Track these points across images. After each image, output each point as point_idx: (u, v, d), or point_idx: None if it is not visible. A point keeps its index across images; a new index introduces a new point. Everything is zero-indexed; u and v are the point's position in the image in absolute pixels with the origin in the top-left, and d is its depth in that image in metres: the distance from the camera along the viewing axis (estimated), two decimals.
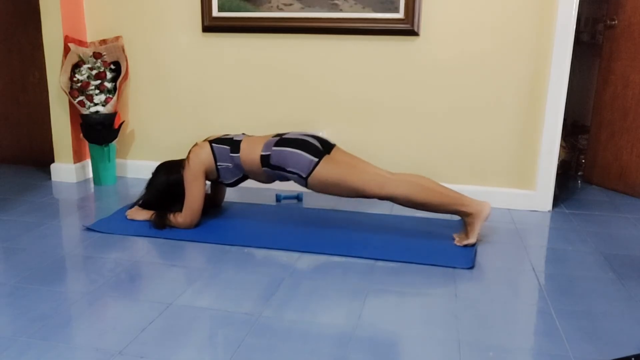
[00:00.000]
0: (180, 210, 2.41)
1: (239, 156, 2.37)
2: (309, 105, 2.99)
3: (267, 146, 2.34)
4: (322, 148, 2.34)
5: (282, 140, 2.33)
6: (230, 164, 2.40)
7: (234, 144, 2.40)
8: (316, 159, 2.27)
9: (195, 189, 2.38)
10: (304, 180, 2.29)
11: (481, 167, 2.86)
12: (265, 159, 2.33)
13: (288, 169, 2.29)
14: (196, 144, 2.47)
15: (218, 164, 2.40)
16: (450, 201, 2.24)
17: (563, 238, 2.44)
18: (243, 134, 2.57)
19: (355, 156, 2.40)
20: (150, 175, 2.55)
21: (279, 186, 2.90)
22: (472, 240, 2.25)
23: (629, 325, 1.69)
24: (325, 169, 2.26)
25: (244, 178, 2.45)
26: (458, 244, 2.27)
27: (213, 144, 2.42)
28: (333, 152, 2.37)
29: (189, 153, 2.43)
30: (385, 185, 2.23)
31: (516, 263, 2.16)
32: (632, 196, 3.12)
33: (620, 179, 3.19)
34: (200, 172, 2.39)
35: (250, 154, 2.36)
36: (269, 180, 2.42)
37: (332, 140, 2.98)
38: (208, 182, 2.50)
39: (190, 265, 2.10)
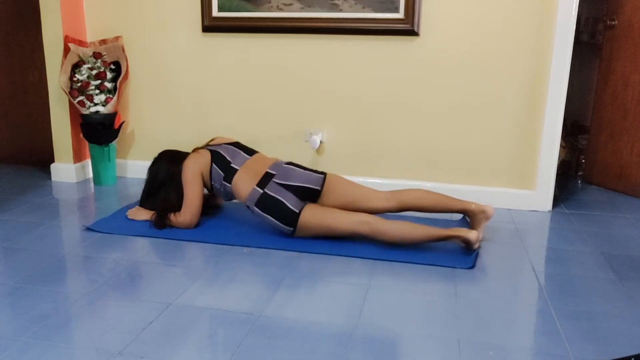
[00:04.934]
0: (179, 210, 2.41)
1: (230, 186, 2.38)
2: (308, 105, 2.99)
3: (258, 186, 2.30)
4: (310, 194, 2.32)
5: (282, 173, 2.32)
6: (221, 189, 2.43)
7: (228, 172, 2.38)
8: (297, 211, 2.25)
9: (194, 189, 2.39)
10: (290, 230, 2.28)
11: (481, 167, 2.86)
12: (251, 199, 2.30)
13: (274, 216, 2.27)
14: (195, 150, 2.47)
15: (212, 182, 2.42)
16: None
17: (563, 238, 2.44)
18: (238, 143, 2.55)
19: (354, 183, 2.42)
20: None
21: None
22: (479, 237, 2.22)
23: (629, 325, 1.69)
24: (311, 216, 2.25)
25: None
26: (466, 246, 2.23)
27: (212, 163, 2.41)
28: (332, 185, 2.35)
29: (188, 157, 2.44)
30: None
31: (516, 263, 2.16)
32: (632, 196, 3.11)
33: (620, 179, 3.19)
34: (198, 174, 2.40)
35: (242, 189, 2.34)
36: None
37: (332, 140, 2.99)
38: None
39: (190, 265, 2.10)
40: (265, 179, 2.32)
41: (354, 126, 2.96)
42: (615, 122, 3.18)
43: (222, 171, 2.39)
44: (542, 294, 1.89)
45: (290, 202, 2.25)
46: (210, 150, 2.45)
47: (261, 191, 2.29)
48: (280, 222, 2.26)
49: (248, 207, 2.35)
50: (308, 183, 2.31)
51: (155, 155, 2.59)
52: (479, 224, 2.31)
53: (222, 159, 2.42)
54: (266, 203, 2.27)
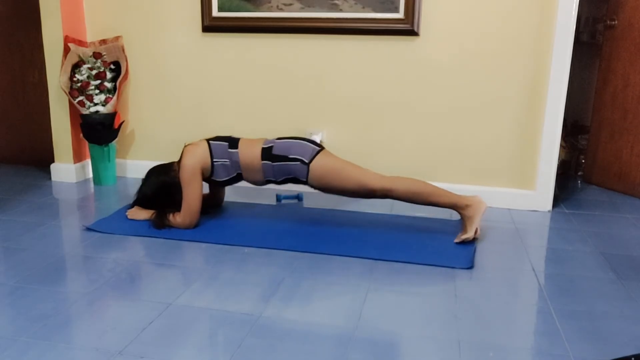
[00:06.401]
0: (179, 210, 2.41)
1: (237, 152, 2.38)
2: (308, 105, 2.99)
3: (267, 142, 2.41)
4: (320, 146, 2.42)
5: (282, 138, 2.43)
6: (227, 160, 2.40)
7: (232, 141, 2.43)
8: (318, 148, 2.37)
9: (193, 189, 2.38)
10: (305, 167, 2.31)
11: (481, 167, 2.86)
12: (266, 151, 2.36)
13: (290, 156, 2.33)
14: (187, 145, 2.47)
15: (214, 160, 2.40)
16: (445, 193, 2.32)
17: (563, 238, 2.44)
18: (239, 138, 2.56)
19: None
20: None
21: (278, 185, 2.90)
22: (470, 234, 2.25)
23: (629, 325, 1.69)
24: (327, 158, 2.35)
25: (238, 178, 2.44)
26: (457, 240, 2.28)
27: (210, 141, 2.44)
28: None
29: (182, 154, 2.43)
30: (384, 178, 2.32)
31: (516, 263, 2.16)
32: (632, 196, 3.11)
33: (620, 179, 3.19)
34: (197, 171, 2.38)
35: (250, 149, 2.40)
36: (264, 178, 2.41)
37: (332, 140, 2.99)
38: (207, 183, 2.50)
39: (190, 265, 2.10)
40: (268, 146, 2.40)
41: (353, 126, 2.96)
42: (615, 122, 3.18)
43: (225, 141, 2.43)
44: (542, 294, 1.89)
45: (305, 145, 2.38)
46: (205, 139, 2.47)
47: (272, 144, 2.39)
48: (309, 142, 2.38)
49: (263, 155, 2.36)
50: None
51: (156, 156, 2.59)
52: (474, 218, 2.27)
53: (221, 136, 2.48)
54: (288, 138, 2.41)
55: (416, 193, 2.29)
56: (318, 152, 2.35)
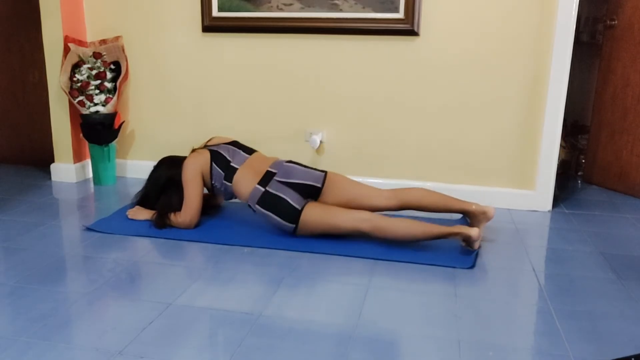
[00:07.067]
0: (179, 210, 2.41)
1: (231, 186, 2.39)
2: (308, 105, 2.99)
3: (260, 182, 2.31)
4: (312, 192, 2.33)
5: (276, 182, 2.31)
6: (221, 188, 2.43)
7: (228, 171, 2.39)
8: (299, 208, 2.25)
9: (193, 189, 2.39)
10: (292, 227, 2.27)
11: (481, 167, 2.86)
12: (253, 198, 2.31)
13: (272, 220, 2.29)
14: (194, 150, 2.47)
15: (213, 181, 2.43)
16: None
17: (563, 238, 2.44)
18: (237, 143, 2.55)
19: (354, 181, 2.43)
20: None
21: None
22: (480, 235, 2.21)
23: (629, 325, 1.69)
24: (312, 213, 2.26)
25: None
26: (468, 246, 2.24)
27: (212, 162, 2.41)
28: (332, 183, 2.36)
29: (188, 157, 2.45)
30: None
31: (516, 263, 2.16)
32: (632, 196, 3.11)
33: (620, 179, 3.19)
34: (198, 173, 2.39)
35: (242, 186, 2.35)
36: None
37: (332, 140, 2.99)
38: None
39: (191, 265, 2.10)
40: (267, 177, 2.32)
41: (354, 126, 2.96)
42: (615, 122, 3.18)
43: (223, 170, 2.39)
44: (542, 294, 1.89)
45: (292, 199, 2.25)
46: (210, 150, 2.45)
47: (263, 189, 2.29)
48: (283, 219, 2.26)
49: (250, 205, 2.35)
50: (309, 180, 2.32)
51: (156, 156, 2.60)
52: (479, 225, 2.31)
53: (222, 159, 2.42)
54: (268, 201, 2.28)
55: (407, 235, 2.21)
56: (301, 211, 2.24)
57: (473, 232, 2.14)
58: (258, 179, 2.33)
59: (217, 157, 2.42)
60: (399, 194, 2.37)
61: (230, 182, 2.38)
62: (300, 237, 2.30)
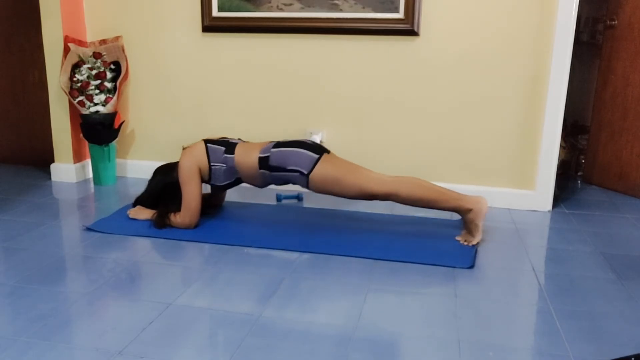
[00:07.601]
0: (180, 210, 2.41)
1: (233, 157, 2.37)
2: (308, 105, 2.99)
3: (265, 149, 2.35)
4: (320, 149, 2.36)
5: (280, 143, 2.36)
6: (223, 165, 2.39)
7: (229, 146, 2.41)
8: (317, 155, 2.30)
9: (191, 189, 2.38)
10: (305, 178, 2.29)
11: (481, 167, 2.86)
12: (263, 161, 2.33)
13: (288, 168, 2.29)
14: (186, 148, 2.47)
15: (211, 163, 2.39)
16: (449, 197, 2.27)
17: (563, 238, 2.44)
18: (239, 139, 2.56)
19: (352, 162, 2.41)
20: (150, 176, 2.56)
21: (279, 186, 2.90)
22: (477, 239, 2.26)
23: (629, 325, 1.69)
24: (327, 166, 2.29)
25: (237, 182, 2.45)
26: (466, 243, 2.27)
27: (207, 144, 2.42)
28: (331, 154, 2.38)
29: (181, 155, 2.43)
30: (386, 183, 2.27)
31: (516, 263, 2.16)
32: (632, 196, 3.11)
33: (620, 179, 3.19)
34: (195, 171, 2.38)
35: (246, 156, 2.36)
36: (264, 183, 2.42)
37: (332, 140, 2.99)
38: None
39: (190, 265, 2.10)
40: (265, 154, 2.34)
41: (354, 126, 2.96)
42: (615, 122, 3.18)
43: (222, 146, 2.41)
44: (542, 294, 1.89)
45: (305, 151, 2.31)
46: (203, 140, 2.46)
47: (268, 153, 2.33)
48: (308, 150, 2.30)
49: (260, 165, 2.33)
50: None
51: (156, 156, 2.59)
52: (476, 221, 2.28)
53: (218, 140, 2.45)
54: (285, 143, 2.34)
55: (418, 199, 2.25)
56: (318, 160, 2.29)
57: (482, 205, 2.23)
58: (262, 145, 2.38)
59: (212, 141, 2.44)
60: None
61: (232, 154, 2.37)
62: (310, 189, 2.32)
